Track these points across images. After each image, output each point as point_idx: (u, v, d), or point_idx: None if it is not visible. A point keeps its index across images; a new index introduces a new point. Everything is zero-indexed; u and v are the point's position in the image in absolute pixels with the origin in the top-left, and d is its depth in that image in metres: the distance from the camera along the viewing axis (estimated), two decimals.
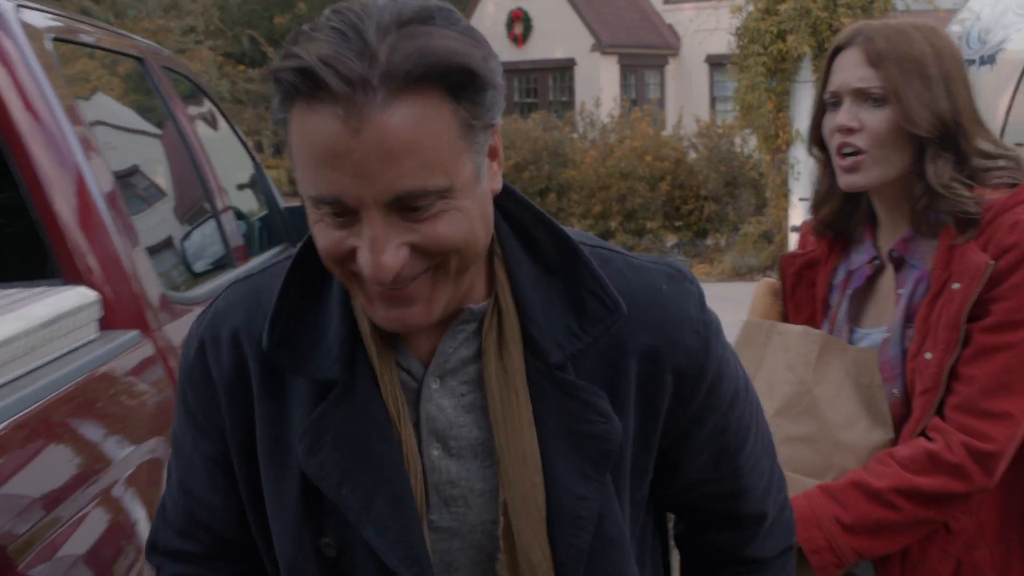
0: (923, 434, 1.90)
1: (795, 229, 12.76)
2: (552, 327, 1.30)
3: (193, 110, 3.61)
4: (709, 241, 15.72)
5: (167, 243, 2.84)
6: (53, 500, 1.66)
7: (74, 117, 2.32)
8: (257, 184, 4.12)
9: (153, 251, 2.52)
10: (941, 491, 1.86)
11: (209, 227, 3.24)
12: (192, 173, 3.24)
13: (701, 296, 1.37)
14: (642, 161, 15.52)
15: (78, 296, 2.03)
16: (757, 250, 14.09)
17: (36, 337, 1.80)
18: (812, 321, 2.11)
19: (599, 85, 25.60)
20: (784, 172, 13.24)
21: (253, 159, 4.18)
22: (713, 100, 26.71)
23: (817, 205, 2.10)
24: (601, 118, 17.47)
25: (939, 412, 1.89)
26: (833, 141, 1.96)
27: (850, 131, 1.93)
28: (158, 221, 2.94)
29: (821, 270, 2.12)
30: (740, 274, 13.97)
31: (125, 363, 2.08)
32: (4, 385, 1.70)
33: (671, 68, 27.73)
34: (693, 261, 15.16)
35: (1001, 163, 1.92)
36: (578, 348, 1.30)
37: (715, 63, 25.54)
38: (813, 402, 1.95)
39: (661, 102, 26.94)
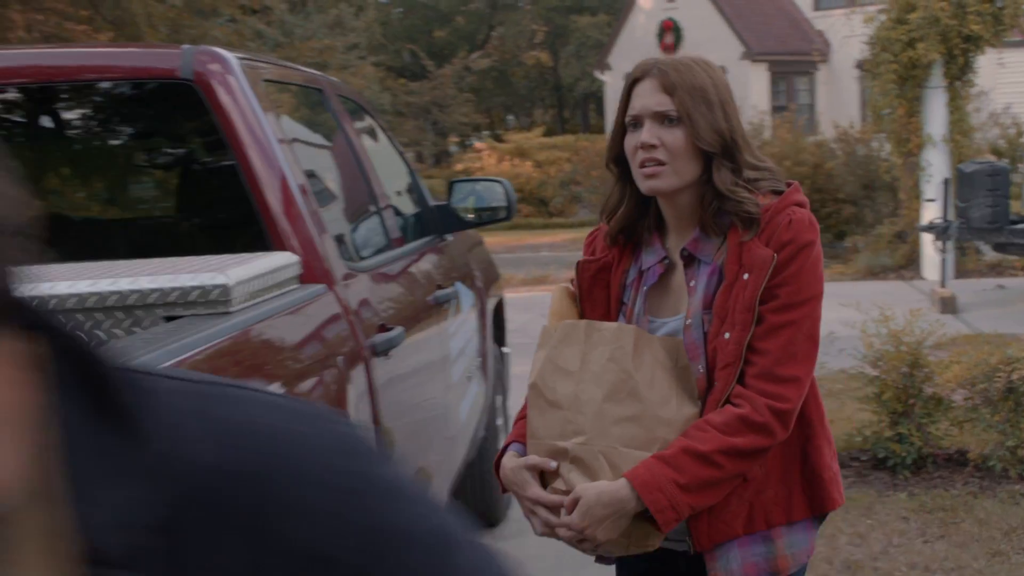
0: (729, 401, 2.20)
1: (922, 229, 13.22)
2: (109, 503, 0.76)
3: (360, 127, 4.56)
4: (847, 243, 16.18)
5: (345, 226, 3.78)
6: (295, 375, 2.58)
7: (279, 135, 3.25)
8: (411, 186, 5.06)
9: (335, 232, 3.44)
10: (752, 447, 2.18)
11: (373, 220, 4.17)
12: (360, 178, 4.17)
13: (355, 438, 0.83)
14: (780, 166, 16.08)
15: (286, 257, 2.94)
16: (891, 250, 14.55)
17: (267, 278, 2.73)
18: (607, 317, 2.40)
19: (749, 92, 26.01)
20: (916, 175, 13.70)
21: (407, 165, 5.13)
22: (864, 105, 26.95)
23: (609, 214, 2.41)
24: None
25: (739, 382, 2.20)
26: (636, 157, 2.27)
27: (652, 147, 2.24)
28: (341, 211, 3.89)
29: (614, 272, 2.41)
30: (874, 273, 14.43)
31: (315, 303, 3.00)
32: (246, 308, 2.63)
33: (821, 74, 27.94)
34: (830, 262, 15.70)
35: (765, 174, 2.28)
36: (148, 528, 0.74)
37: (865, 68, 25.83)
38: (635, 387, 2.21)
39: (811, 108, 27.28)
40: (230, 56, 3.26)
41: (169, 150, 3.73)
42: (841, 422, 6.52)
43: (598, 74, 30.57)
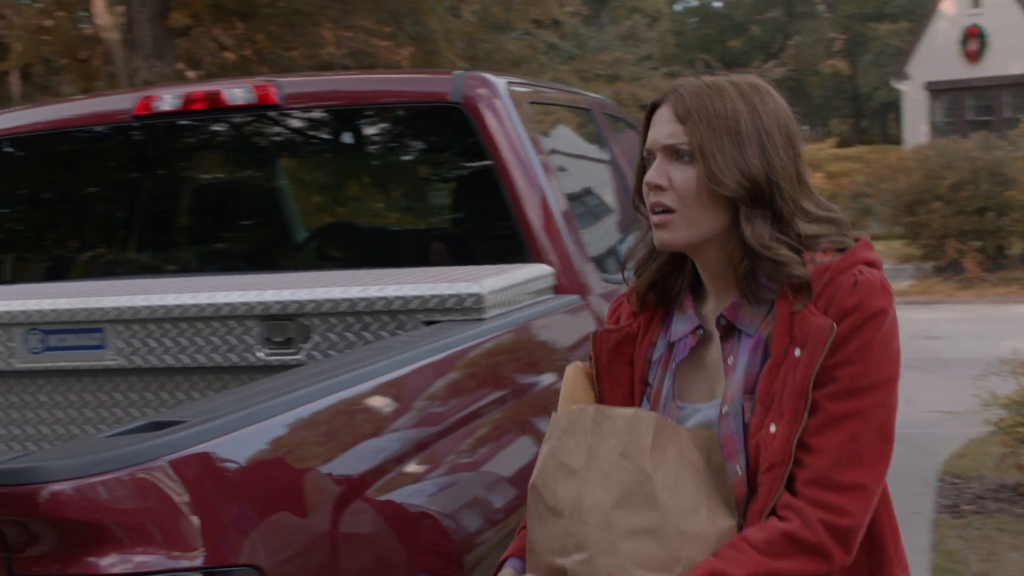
0: (774, 513, 1.76)
1: None
2: None
3: (628, 146, 4.75)
4: None
5: (605, 242, 3.98)
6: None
7: (542, 155, 3.48)
8: None
9: (593, 247, 3.65)
10: (802, 574, 1.73)
11: (637, 235, 4.36)
12: (625, 195, 4.37)
13: None
14: None
15: (541, 269, 3.19)
16: None
17: (520, 288, 2.97)
18: (630, 401, 1.98)
19: None
20: None
21: None
22: None
23: (638, 267, 1.98)
24: None
25: (788, 488, 1.76)
26: (649, 199, 1.87)
27: (660, 189, 1.84)
28: (601, 228, 4.10)
29: (639, 345, 1.99)
30: None
31: (568, 313, 3.21)
32: (512, 312, 2.87)
33: None
34: None
35: (826, 227, 1.85)
36: None
37: None
38: (653, 491, 1.77)
39: None
40: (497, 80, 3.52)
41: (440, 167, 4.04)
42: None
43: (896, 83, 29.69)
